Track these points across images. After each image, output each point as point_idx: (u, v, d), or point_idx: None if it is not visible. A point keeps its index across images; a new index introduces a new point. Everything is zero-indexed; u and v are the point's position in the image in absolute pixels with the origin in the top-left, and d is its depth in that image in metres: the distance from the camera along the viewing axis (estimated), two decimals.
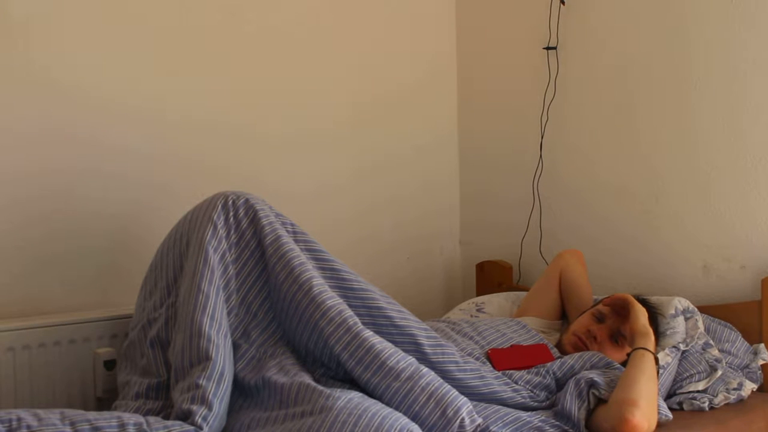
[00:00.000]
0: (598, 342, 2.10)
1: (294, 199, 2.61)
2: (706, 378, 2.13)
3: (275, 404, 1.69)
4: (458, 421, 1.66)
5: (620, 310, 2.11)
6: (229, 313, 1.84)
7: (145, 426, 1.57)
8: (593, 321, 2.15)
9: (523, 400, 1.89)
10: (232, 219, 1.90)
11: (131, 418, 1.58)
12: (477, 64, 3.08)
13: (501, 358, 2.00)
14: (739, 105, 2.43)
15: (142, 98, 2.32)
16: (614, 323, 2.11)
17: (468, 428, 1.66)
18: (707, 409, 2.06)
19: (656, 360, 1.91)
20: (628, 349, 2.04)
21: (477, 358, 1.97)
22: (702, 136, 2.50)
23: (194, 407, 1.63)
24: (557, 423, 1.80)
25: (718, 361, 2.17)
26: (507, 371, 1.95)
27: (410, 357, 1.78)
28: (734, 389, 2.12)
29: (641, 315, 2.03)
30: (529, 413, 1.81)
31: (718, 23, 2.45)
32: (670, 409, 1.96)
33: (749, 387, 2.16)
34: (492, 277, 2.93)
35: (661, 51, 2.58)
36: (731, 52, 2.44)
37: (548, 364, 1.98)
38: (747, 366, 2.23)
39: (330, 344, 1.78)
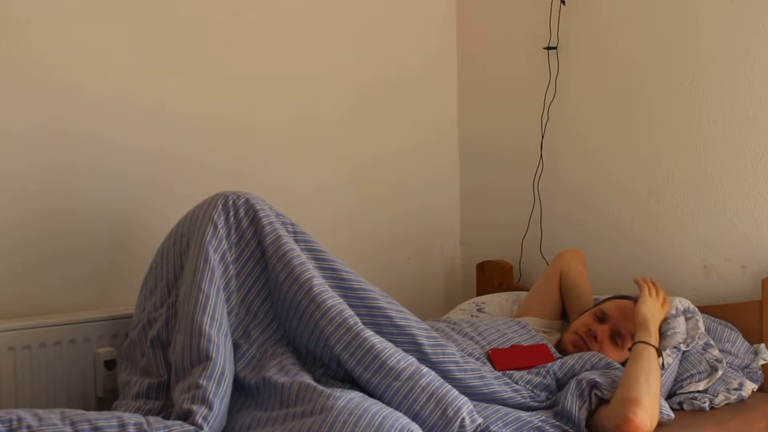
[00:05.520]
0: (599, 341, 2.10)
1: (293, 196, 2.61)
2: (706, 378, 2.13)
3: (275, 404, 1.69)
4: (459, 420, 1.66)
5: (626, 312, 2.10)
6: (229, 313, 1.84)
7: (145, 426, 1.57)
8: (594, 320, 2.15)
9: (523, 400, 1.89)
10: (232, 219, 1.89)
11: (131, 418, 1.58)
12: (477, 64, 3.08)
13: (501, 358, 2.00)
14: (739, 105, 2.42)
15: (142, 97, 2.32)
16: (615, 324, 2.11)
17: (468, 428, 1.66)
18: (708, 409, 2.06)
19: (659, 353, 1.90)
20: (628, 351, 2.04)
21: (477, 358, 1.97)
22: (703, 136, 2.50)
23: (195, 407, 1.63)
24: (557, 423, 1.80)
25: (718, 361, 2.16)
26: (507, 371, 1.95)
27: (411, 357, 1.78)
28: (735, 389, 2.12)
29: (643, 306, 2.03)
30: (529, 413, 1.81)
31: (720, 22, 2.45)
32: (671, 408, 1.96)
33: (750, 387, 2.15)
34: (492, 276, 2.93)
35: (662, 50, 2.58)
36: (732, 51, 2.43)
37: (549, 365, 1.98)
38: (747, 366, 2.23)
39: (330, 344, 1.77)
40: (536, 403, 1.90)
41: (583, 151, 2.79)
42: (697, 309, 2.30)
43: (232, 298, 1.86)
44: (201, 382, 1.67)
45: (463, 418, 1.66)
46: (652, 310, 2.04)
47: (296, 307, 1.83)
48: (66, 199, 2.20)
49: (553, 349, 2.10)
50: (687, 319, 2.25)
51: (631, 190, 2.66)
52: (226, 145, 2.49)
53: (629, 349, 1.95)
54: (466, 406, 1.68)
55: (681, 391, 2.11)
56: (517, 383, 1.91)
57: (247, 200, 1.92)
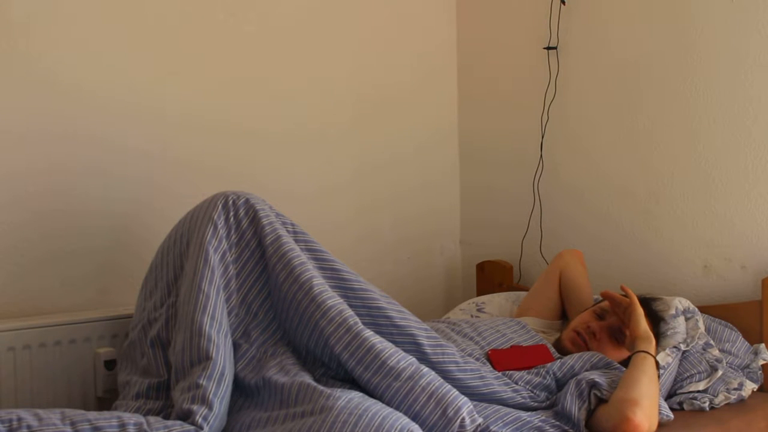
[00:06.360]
0: (598, 339, 2.10)
1: (294, 198, 2.61)
2: (706, 378, 2.13)
3: (276, 404, 1.69)
4: (459, 420, 1.66)
5: (620, 312, 2.10)
6: (229, 313, 1.84)
7: (145, 426, 1.57)
8: (594, 318, 2.15)
9: (523, 401, 1.89)
10: (232, 219, 1.89)
11: (131, 418, 1.58)
12: (477, 64, 3.08)
13: (501, 359, 2.00)
14: (739, 105, 2.42)
15: (142, 97, 2.32)
16: (615, 321, 2.11)
17: (468, 428, 1.66)
18: (708, 409, 2.06)
19: (657, 364, 1.91)
20: (626, 350, 2.04)
21: (477, 359, 1.97)
22: (703, 136, 2.50)
23: (194, 407, 1.63)
24: (557, 423, 1.80)
25: (718, 361, 2.17)
26: (507, 371, 1.95)
27: (411, 357, 1.78)
28: (735, 389, 2.12)
29: (642, 319, 2.02)
30: (529, 413, 1.81)
31: (719, 23, 2.45)
32: (671, 409, 1.96)
33: (750, 387, 2.15)
34: (492, 277, 2.93)
35: (662, 51, 2.58)
36: (732, 51, 2.43)
37: (548, 365, 1.98)
38: (747, 366, 2.23)
39: (330, 344, 1.77)
40: (536, 404, 1.90)
41: (583, 152, 2.79)
42: (697, 309, 2.30)
43: (232, 298, 1.86)
44: (201, 382, 1.67)
45: (463, 418, 1.66)
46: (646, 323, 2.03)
47: (296, 307, 1.83)
48: (66, 200, 2.20)
49: (552, 350, 2.10)
50: (687, 319, 2.25)
51: (630, 191, 2.66)
52: (227, 146, 2.49)
53: (629, 357, 1.94)
54: (466, 406, 1.68)
55: (681, 391, 2.11)
56: (516, 383, 1.91)
57: (247, 200, 1.92)
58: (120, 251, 2.30)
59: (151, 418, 1.61)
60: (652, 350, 1.93)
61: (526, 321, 2.29)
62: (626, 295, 2.11)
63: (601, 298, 2.32)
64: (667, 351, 2.11)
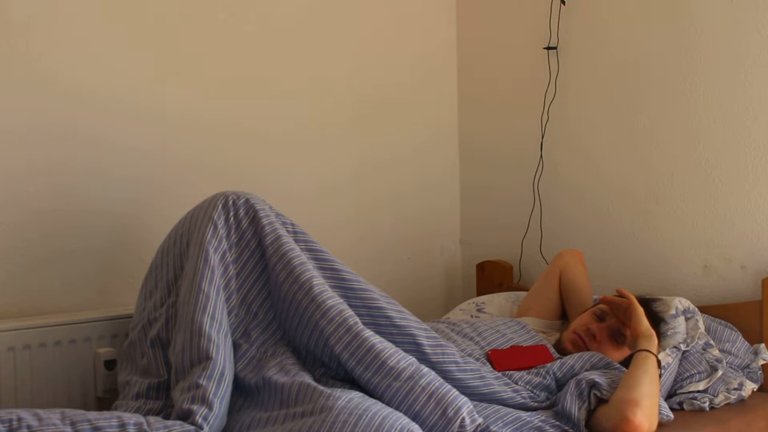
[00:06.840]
0: (598, 341, 2.10)
1: (294, 198, 2.61)
2: (706, 378, 2.13)
3: (276, 404, 1.70)
4: (459, 420, 1.66)
5: (620, 314, 2.10)
6: (229, 313, 1.84)
7: (145, 426, 1.57)
8: (594, 319, 2.15)
9: (523, 401, 1.89)
10: (232, 219, 1.89)
11: (131, 418, 1.58)
12: (477, 64, 3.08)
13: (501, 359, 2.00)
14: (739, 105, 2.42)
15: (142, 97, 2.32)
16: (615, 322, 2.11)
17: (468, 428, 1.66)
18: (708, 409, 2.06)
19: (658, 363, 1.91)
20: (627, 350, 2.04)
21: (477, 359, 1.97)
22: (703, 136, 2.50)
23: (194, 407, 1.63)
24: (557, 423, 1.80)
25: (718, 361, 2.17)
26: (507, 372, 1.95)
27: (411, 357, 1.78)
28: (735, 389, 2.12)
29: (643, 317, 2.03)
30: (529, 413, 1.81)
31: (719, 23, 2.45)
32: (671, 409, 1.96)
33: (750, 387, 2.16)
34: (492, 277, 2.93)
35: (662, 51, 2.58)
36: (732, 51, 2.43)
37: (548, 365, 1.98)
38: (747, 366, 2.23)
39: (330, 344, 1.78)
40: (536, 404, 1.90)
41: (583, 152, 2.79)
42: (697, 309, 2.30)
43: (232, 298, 1.86)
44: (201, 382, 1.67)
45: (463, 418, 1.66)
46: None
47: (296, 307, 1.83)
48: (66, 200, 2.20)
49: (552, 350, 2.10)
50: (687, 319, 2.25)
51: (630, 191, 2.66)
52: (227, 146, 2.49)
53: (630, 356, 1.94)
54: (466, 406, 1.68)
55: (681, 390, 2.11)
56: (516, 383, 1.91)
57: (247, 200, 1.92)
58: (120, 251, 2.30)
59: (151, 418, 1.61)
60: (654, 348, 1.93)
61: (526, 321, 2.29)
62: (623, 296, 2.11)
63: (600, 298, 2.32)
64: (668, 351, 2.11)
